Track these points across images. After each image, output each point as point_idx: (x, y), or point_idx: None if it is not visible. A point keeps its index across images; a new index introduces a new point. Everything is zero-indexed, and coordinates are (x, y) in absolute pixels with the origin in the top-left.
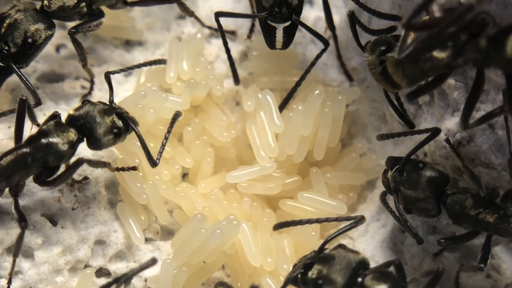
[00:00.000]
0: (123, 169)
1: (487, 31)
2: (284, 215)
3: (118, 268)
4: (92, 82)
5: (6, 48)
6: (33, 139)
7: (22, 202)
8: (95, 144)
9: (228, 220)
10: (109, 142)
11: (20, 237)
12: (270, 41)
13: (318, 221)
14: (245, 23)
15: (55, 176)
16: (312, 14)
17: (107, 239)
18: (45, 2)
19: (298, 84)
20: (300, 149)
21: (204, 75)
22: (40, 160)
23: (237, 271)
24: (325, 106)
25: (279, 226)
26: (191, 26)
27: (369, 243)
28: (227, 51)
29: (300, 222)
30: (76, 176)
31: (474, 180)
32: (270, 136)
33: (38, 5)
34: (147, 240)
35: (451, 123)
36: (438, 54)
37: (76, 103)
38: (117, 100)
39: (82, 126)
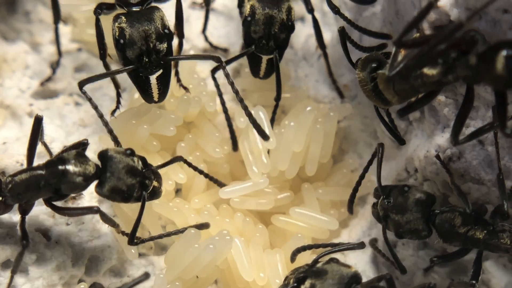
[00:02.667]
0: (123, 232)
1: (477, 48)
2: (277, 230)
3: (112, 283)
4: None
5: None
6: (51, 163)
7: (16, 218)
8: (100, 191)
9: (221, 236)
10: (113, 198)
11: (20, 255)
12: (255, 69)
13: (330, 245)
14: (238, 41)
15: (64, 206)
16: (303, 32)
17: (101, 254)
18: None
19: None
20: (292, 165)
21: (197, 92)
22: (52, 185)
23: (230, 286)
24: (317, 123)
25: (297, 252)
26: (184, 42)
27: (361, 258)
28: (227, 118)
29: (314, 246)
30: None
31: (461, 197)
32: (262, 152)
33: None
34: (140, 255)
35: (441, 139)
36: (429, 71)
37: (70, 119)
38: (109, 117)
39: (104, 168)
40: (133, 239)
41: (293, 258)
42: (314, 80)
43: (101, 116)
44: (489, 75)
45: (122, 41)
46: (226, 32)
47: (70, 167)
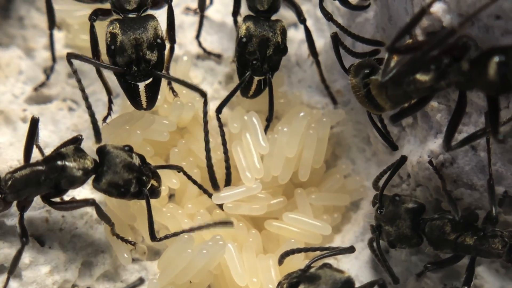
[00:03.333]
0: (119, 236)
1: (469, 54)
2: (270, 235)
3: (105, 287)
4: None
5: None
6: (50, 159)
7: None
8: (97, 186)
9: (214, 241)
10: (110, 193)
11: (19, 253)
12: (246, 90)
13: (319, 249)
14: (231, 46)
15: (61, 200)
16: (296, 37)
17: (94, 259)
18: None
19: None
20: (285, 171)
21: (191, 97)
22: (52, 180)
23: None
24: (310, 128)
25: (285, 255)
26: (178, 48)
27: (354, 263)
28: (225, 151)
29: (304, 249)
30: (64, 196)
31: (451, 204)
32: (255, 157)
33: None
34: (134, 260)
35: (434, 145)
36: (421, 77)
37: (63, 124)
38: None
39: (101, 163)
40: (153, 235)
41: (281, 261)
42: (307, 86)
43: (86, 98)
44: (482, 81)
45: (113, 47)
46: (219, 38)
47: (69, 162)
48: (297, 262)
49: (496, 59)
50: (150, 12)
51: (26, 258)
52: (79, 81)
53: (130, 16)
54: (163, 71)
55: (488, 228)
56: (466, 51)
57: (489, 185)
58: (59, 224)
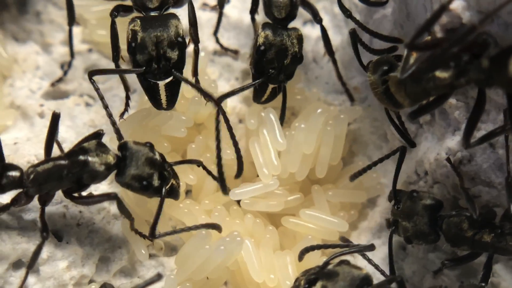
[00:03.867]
0: (137, 231)
1: (489, 51)
2: (286, 232)
3: (122, 283)
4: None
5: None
6: (72, 153)
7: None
8: (120, 179)
9: (231, 237)
10: (132, 187)
11: (39, 247)
12: (259, 96)
13: (339, 246)
14: (248, 42)
15: (83, 194)
16: (313, 34)
17: (111, 254)
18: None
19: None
20: (302, 167)
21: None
22: (75, 175)
23: (240, 287)
24: (327, 125)
25: (305, 251)
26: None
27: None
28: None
29: (323, 246)
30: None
31: (469, 202)
32: (272, 154)
33: None
34: (151, 256)
35: (452, 142)
36: (441, 74)
37: (80, 119)
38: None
39: (123, 157)
40: (153, 232)
41: (301, 257)
42: (324, 83)
43: (106, 107)
44: (501, 78)
45: (133, 44)
46: (236, 34)
47: (92, 157)
48: (315, 259)
49: None
50: (171, 10)
51: (44, 253)
52: (102, 98)
53: (151, 14)
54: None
55: (506, 225)
56: (485, 48)
57: (507, 182)
58: (77, 220)
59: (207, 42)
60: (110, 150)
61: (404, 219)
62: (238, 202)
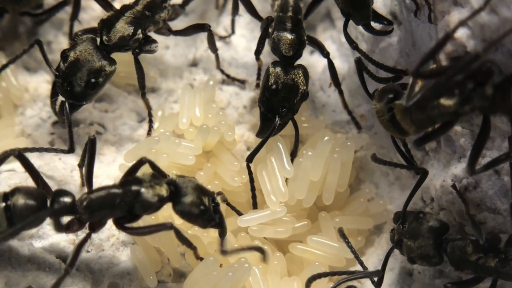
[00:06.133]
0: (197, 255)
1: (493, 79)
2: (294, 258)
3: None
4: (150, 115)
5: (69, 87)
6: (126, 183)
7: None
8: (178, 208)
9: (239, 263)
10: (191, 214)
11: (60, 279)
12: (264, 131)
13: (346, 273)
14: (255, 71)
15: (135, 225)
16: (320, 63)
17: (120, 281)
18: (104, 38)
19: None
20: (309, 194)
21: (216, 121)
22: (127, 204)
23: None
24: (334, 152)
25: (312, 279)
26: (203, 73)
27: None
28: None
29: (330, 273)
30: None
31: (474, 228)
32: (280, 181)
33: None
34: (159, 282)
35: (457, 169)
36: (446, 101)
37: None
38: (130, 145)
39: (176, 189)
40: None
41: (308, 284)
42: (331, 110)
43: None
44: (505, 106)
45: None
46: (244, 63)
47: (145, 188)
48: (322, 285)
49: None
50: None
51: (53, 280)
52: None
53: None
54: None
55: (510, 251)
56: (490, 76)
57: (511, 208)
58: (86, 247)
59: (214, 71)
60: (164, 183)
61: (409, 239)
62: None
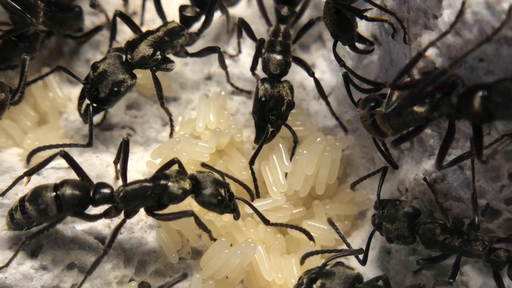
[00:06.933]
0: (211, 237)
1: (457, 90)
2: (292, 239)
3: (157, 282)
4: (171, 120)
5: (96, 93)
6: (156, 177)
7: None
8: (199, 199)
9: (247, 243)
10: (210, 204)
11: (99, 259)
12: (260, 137)
13: (334, 251)
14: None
15: (162, 212)
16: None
17: (147, 258)
18: (128, 56)
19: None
20: (305, 186)
21: (227, 125)
22: (156, 195)
23: (254, 284)
24: (325, 151)
25: (306, 256)
26: (216, 85)
27: None
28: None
29: (321, 251)
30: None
31: (443, 213)
32: (280, 175)
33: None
34: (180, 259)
35: (428, 165)
36: (418, 109)
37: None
38: (155, 145)
39: (197, 183)
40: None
41: (302, 261)
42: (322, 116)
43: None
44: (468, 112)
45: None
46: (250, 77)
47: (172, 183)
48: (315, 261)
49: (480, 94)
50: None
51: (92, 257)
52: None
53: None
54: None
55: (471, 233)
56: (455, 87)
57: (473, 198)
58: (119, 229)
59: (225, 84)
60: (187, 178)
61: (387, 223)
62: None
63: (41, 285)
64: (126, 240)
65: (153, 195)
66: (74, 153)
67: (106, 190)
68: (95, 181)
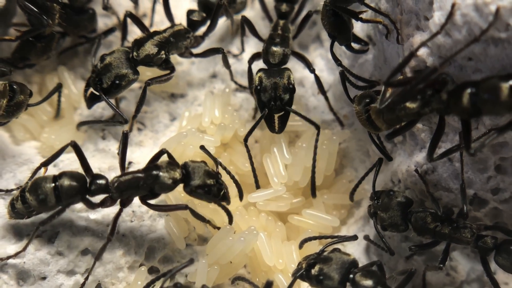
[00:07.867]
0: (214, 226)
1: (447, 87)
2: (292, 227)
3: (165, 266)
4: (134, 117)
5: (100, 82)
6: (148, 168)
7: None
8: (188, 189)
9: (249, 231)
10: (198, 194)
11: (105, 246)
12: (271, 126)
13: (330, 237)
14: None
15: (155, 203)
16: (311, 76)
17: (156, 244)
18: (134, 53)
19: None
20: (304, 177)
21: (231, 120)
22: (148, 185)
23: (256, 269)
24: (323, 144)
25: (304, 241)
26: (221, 83)
27: (356, 248)
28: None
29: (318, 237)
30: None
31: (434, 203)
32: (281, 166)
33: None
34: (187, 245)
35: (419, 157)
36: (410, 104)
37: (133, 140)
38: (164, 139)
39: (187, 173)
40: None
41: (301, 245)
42: (320, 112)
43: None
44: (457, 108)
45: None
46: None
47: (162, 173)
48: (313, 248)
49: (468, 90)
50: None
51: None
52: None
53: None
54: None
55: (460, 221)
56: (445, 85)
57: (461, 188)
58: (131, 217)
59: (229, 81)
60: (178, 168)
61: (382, 212)
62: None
63: (57, 270)
64: (137, 228)
65: (145, 185)
66: (88, 145)
67: (102, 181)
68: (107, 173)
